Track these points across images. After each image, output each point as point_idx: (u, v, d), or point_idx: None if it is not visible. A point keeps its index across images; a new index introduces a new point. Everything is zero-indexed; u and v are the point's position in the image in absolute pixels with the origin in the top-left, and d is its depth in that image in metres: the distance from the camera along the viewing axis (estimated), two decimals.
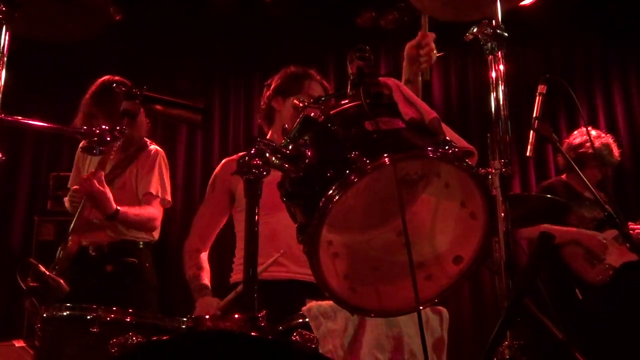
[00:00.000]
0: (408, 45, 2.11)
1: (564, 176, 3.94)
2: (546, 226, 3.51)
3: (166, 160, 3.21)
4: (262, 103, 2.70)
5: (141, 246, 3.08)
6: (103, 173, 2.80)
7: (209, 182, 2.66)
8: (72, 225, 2.73)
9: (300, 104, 2.46)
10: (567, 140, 3.94)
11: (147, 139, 3.20)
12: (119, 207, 2.87)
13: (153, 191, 3.05)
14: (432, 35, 2.07)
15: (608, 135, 3.99)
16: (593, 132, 3.91)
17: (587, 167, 3.75)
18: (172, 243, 4.77)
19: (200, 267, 2.49)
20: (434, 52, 2.06)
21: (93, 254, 3.00)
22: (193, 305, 2.35)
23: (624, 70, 5.25)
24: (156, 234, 3.16)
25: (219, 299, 2.28)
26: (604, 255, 3.62)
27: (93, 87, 3.12)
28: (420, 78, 2.11)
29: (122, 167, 3.09)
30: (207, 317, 1.18)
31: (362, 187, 1.40)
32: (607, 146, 3.88)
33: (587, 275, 3.63)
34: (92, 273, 2.95)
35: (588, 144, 3.75)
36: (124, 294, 2.88)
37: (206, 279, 2.47)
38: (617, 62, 5.27)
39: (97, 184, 2.74)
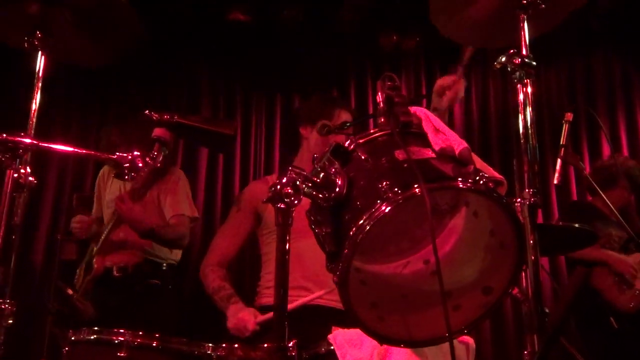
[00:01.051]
0: (438, 82, 2.14)
1: (590, 199, 3.95)
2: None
3: (186, 179, 3.28)
4: (290, 130, 2.71)
5: (164, 268, 3.10)
6: (135, 194, 2.84)
7: (235, 201, 2.67)
8: (98, 245, 2.76)
9: (324, 129, 2.49)
10: (600, 161, 3.98)
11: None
12: (154, 227, 2.90)
13: (182, 212, 3.11)
14: (462, 84, 2.11)
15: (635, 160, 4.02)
16: (622, 156, 4.01)
17: (617, 187, 3.76)
18: (192, 266, 4.77)
19: (223, 279, 2.49)
20: (459, 97, 2.10)
21: (117, 274, 3.03)
22: (208, 319, 2.34)
23: None
24: (179, 255, 3.19)
25: (255, 311, 2.26)
26: (633, 280, 3.58)
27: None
28: (446, 109, 2.13)
29: (146, 186, 3.13)
30: (237, 346, 1.18)
31: (391, 217, 1.40)
32: (637, 168, 3.89)
33: (619, 302, 3.58)
34: (116, 294, 2.98)
35: (619, 164, 3.79)
36: (147, 316, 2.89)
37: (232, 289, 2.46)
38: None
39: (131, 204, 2.81)
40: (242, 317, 2.20)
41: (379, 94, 1.51)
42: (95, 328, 1.78)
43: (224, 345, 1.13)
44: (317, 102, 2.68)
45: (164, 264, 3.10)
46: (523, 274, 1.73)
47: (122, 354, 1.67)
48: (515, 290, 1.78)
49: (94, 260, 2.98)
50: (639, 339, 3.52)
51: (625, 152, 4.86)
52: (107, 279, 3.01)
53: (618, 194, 3.80)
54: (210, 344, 1.66)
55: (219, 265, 2.55)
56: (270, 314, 2.15)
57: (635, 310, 3.55)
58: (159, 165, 1.72)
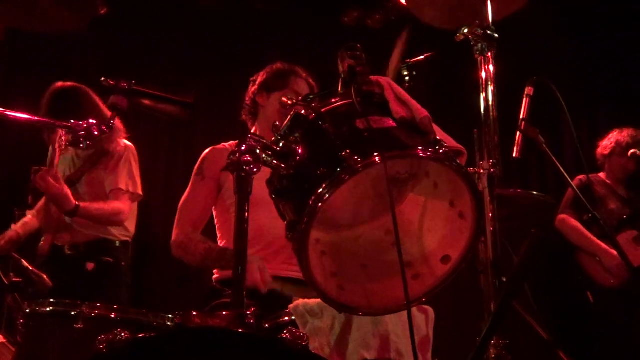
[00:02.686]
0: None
1: (601, 174, 4.03)
2: (574, 224, 3.62)
3: (136, 155, 3.16)
4: (246, 99, 2.68)
5: (118, 245, 3.05)
6: (57, 170, 2.76)
7: (196, 169, 2.53)
8: (43, 224, 2.71)
9: (289, 102, 2.46)
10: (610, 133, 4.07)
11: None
12: (79, 203, 2.82)
13: (121, 186, 3.00)
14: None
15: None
16: (629, 129, 4.04)
17: (625, 156, 3.88)
18: (155, 237, 4.71)
19: (206, 241, 2.38)
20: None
21: (69, 252, 2.97)
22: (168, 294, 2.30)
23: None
24: (131, 229, 3.12)
25: (259, 258, 2.18)
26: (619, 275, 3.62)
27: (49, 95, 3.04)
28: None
29: (92, 162, 3.06)
30: (195, 313, 1.16)
31: (351, 186, 1.40)
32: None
33: (601, 278, 3.66)
34: (68, 272, 2.92)
35: (627, 135, 3.91)
36: (100, 293, 2.83)
37: (220, 246, 2.42)
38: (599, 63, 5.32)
39: (52, 181, 2.71)
40: (250, 270, 2.05)
41: (341, 63, 1.49)
42: (51, 300, 1.75)
43: (181, 313, 1.12)
44: (271, 71, 2.65)
45: (117, 242, 3.05)
46: (482, 245, 1.76)
47: (79, 326, 1.64)
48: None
49: (42, 239, 2.92)
50: (616, 313, 3.61)
51: (584, 128, 4.97)
52: (59, 257, 2.94)
53: (623, 163, 3.94)
54: (169, 315, 1.65)
55: (193, 234, 2.42)
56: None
57: (615, 286, 3.62)
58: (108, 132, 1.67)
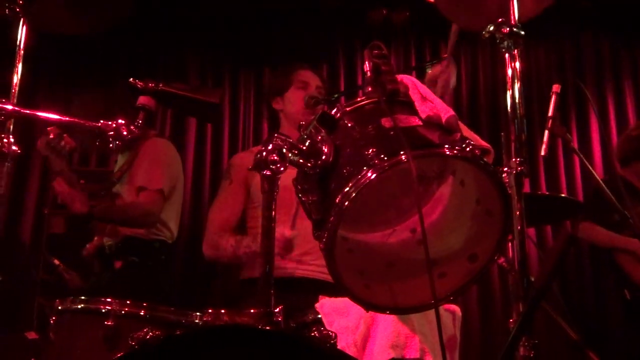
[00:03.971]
0: (429, 73, 2.14)
1: (620, 170, 3.76)
2: (600, 230, 3.49)
3: (162, 147, 3.07)
4: (267, 112, 2.73)
5: (156, 245, 3.00)
6: (73, 174, 2.74)
7: (224, 174, 2.61)
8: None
9: (312, 100, 2.49)
10: (626, 132, 3.81)
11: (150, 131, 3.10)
12: (95, 207, 2.78)
13: (144, 184, 2.91)
14: (452, 71, 2.09)
15: None
16: None
17: None
18: (180, 239, 4.76)
19: (235, 234, 2.42)
20: (451, 85, 2.09)
21: (108, 251, 2.99)
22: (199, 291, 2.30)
23: (635, 68, 5.21)
24: (165, 229, 3.11)
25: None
26: None
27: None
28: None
29: (129, 162, 3.04)
30: (223, 311, 1.18)
31: (378, 184, 1.40)
32: None
33: (637, 275, 3.53)
34: (101, 270, 2.94)
35: None
36: (123, 291, 2.84)
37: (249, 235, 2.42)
38: (628, 60, 5.23)
39: (65, 186, 2.69)
40: (277, 237, 2.11)
41: (366, 62, 1.49)
42: (82, 297, 1.78)
43: (210, 310, 1.14)
44: (278, 73, 2.71)
45: (157, 243, 3.02)
46: (509, 244, 1.74)
47: (109, 323, 1.66)
48: (502, 260, 1.79)
49: (95, 238, 2.94)
50: None
51: (613, 126, 4.88)
52: (101, 256, 2.97)
53: None
54: (197, 313, 1.67)
55: (224, 232, 2.48)
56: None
57: None
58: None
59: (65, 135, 2.62)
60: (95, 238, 2.92)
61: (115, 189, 3.03)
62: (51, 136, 2.56)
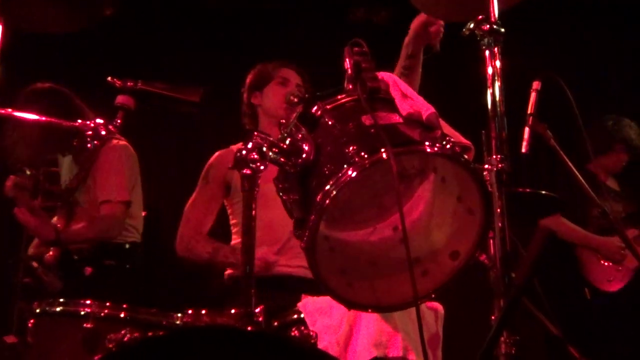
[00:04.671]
0: (415, 23, 2.12)
1: (590, 165, 3.74)
2: (565, 223, 3.46)
3: (124, 154, 2.97)
4: (243, 107, 2.72)
5: (127, 247, 2.98)
6: (37, 202, 2.69)
7: (202, 174, 2.63)
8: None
9: (295, 99, 2.48)
10: (594, 123, 3.79)
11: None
12: (59, 231, 2.74)
13: (108, 197, 2.86)
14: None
15: (633, 121, 3.85)
16: (623, 119, 3.80)
17: (614, 151, 3.68)
18: (162, 239, 4.71)
19: (213, 241, 2.45)
20: (443, 28, 2.08)
21: (75, 257, 2.94)
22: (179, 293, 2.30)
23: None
24: (138, 228, 3.07)
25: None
26: (622, 261, 3.51)
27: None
28: (420, 55, 2.13)
29: (86, 169, 2.94)
30: (204, 312, 1.17)
31: (358, 182, 1.39)
32: (635, 130, 3.75)
33: (595, 277, 3.54)
34: (72, 277, 2.89)
35: (616, 127, 3.66)
36: (101, 296, 2.79)
37: (228, 244, 2.44)
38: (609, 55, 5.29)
39: (29, 215, 2.65)
40: (260, 257, 2.14)
41: (347, 60, 1.49)
42: (61, 299, 1.75)
43: (190, 311, 1.12)
44: (258, 69, 2.71)
45: (127, 244, 2.99)
46: (490, 241, 1.74)
47: (89, 325, 1.64)
48: (483, 257, 1.79)
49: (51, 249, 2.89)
50: (613, 316, 3.49)
51: None
52: (66, 263, 2.92)
53: (613, 158, 3.73)
54: (178, 314, 1.65)
55: (198, 235, 2.50)
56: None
57: (613, 288, 3.51)
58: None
59: (25, 168, 2.63)
60: (52, 248, 2.88)
61: (74, 197, 2.97)
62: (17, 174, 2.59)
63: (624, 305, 3.52)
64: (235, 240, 2.55)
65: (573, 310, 3.52)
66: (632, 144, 3.75)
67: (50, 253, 2.75)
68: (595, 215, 3.55)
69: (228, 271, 2.48)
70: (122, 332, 1.05)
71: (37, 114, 1.98)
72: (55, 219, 2.94)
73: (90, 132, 1.61)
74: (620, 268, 3.57)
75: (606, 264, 3.58)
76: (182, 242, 2.52)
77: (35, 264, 2.56)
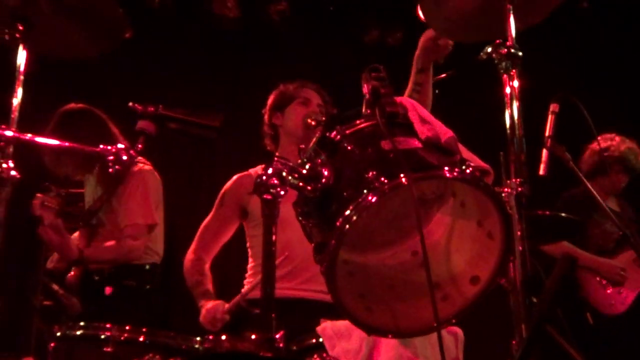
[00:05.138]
0: (423, 37, 2.14)
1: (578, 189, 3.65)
2: (566, 244, 3.41)
3: (151, 178, 3.04)
4: (265, 128, 2.74)
5: (147, 268, 3.02)
6: (61, 220, 2.73)
7: (219, 196, 2.66)
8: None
9: (313, 122, 2.50)
10: (591, 145, 3.76)
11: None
12: (84, 251, 2.80)
13: (132, 221, 2.92)
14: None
15: (633, 140, 3.81)
16: (616, 138, 3.76)
17: (612, 171, 3.64)
18: (178, 262, 4.72)
19: (202, 274, 2.54)
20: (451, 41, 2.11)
21: (96, 278, 2.98)
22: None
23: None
24: (157, 250, 3.09)
25: (224, 301, 2.31)
26: (623, 282, 3.49)
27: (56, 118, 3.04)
28: (431, 69, 2.16)
29: (109, 192, 2.94)
30: (224, 337, 1.17)
31: (378, 207, 1.39)
32: (632, 150, 3.72)
33: (597, 300, 3.50)
34: (92, 297, 2.92)
35: (613, 148, 3.63)
36: (120, 317, 2.81)
37: (209, 285, 2.51)
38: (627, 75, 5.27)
39: (53, 234, 2.70)
40: (211, 308, 2.24)
41: (365, 85, 1.50)
42: (81, 323, 1.76)
43: (210, 337, 1.13)
44: (277, 91, 2.74)
45: (147, 265, 3.03)
46: (511, 264, 1.73)
47: (109, 349, 1.65)
48: (503, 281, 1.78)
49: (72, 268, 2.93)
50: (616, 337, 3.45)
51: None
52: (88, 283, 2.96)
53: (612, 179, 3.68)
54: (197, 338, 1.65)
55: (201, 260, 2.57)
56: (236, 299, 2.24)
57: (615, 311, 3.48)
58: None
59: (52, 187, 2.68)
60: (73, 269, 2.91)
61: (97, 217, 3.01)
62: (44, 193, 2.68)
63: (628, 328, 3.47)
64: (252, 262, 2.57)
65: (576, 335, 3.49)
66: (630, 165, 3.71)
67: (72, 273, 2.78)
68: (595, 235, 3.50)
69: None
70: (145, 358, 1.06)
71: (67, 136, 2.02)
72: (77, 237, 2.98)
73: (112, 157, 1.63)
74: (621, 291, 3.53)
75: (609, 290, 3.54)
76: (186, 261, 2.62)
77: (56, 287, 2.58)
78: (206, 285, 2.49)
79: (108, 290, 2.93)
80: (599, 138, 3.78)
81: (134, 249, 2.91)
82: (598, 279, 3.53)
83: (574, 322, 3.52)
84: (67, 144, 1.84)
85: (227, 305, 2.23)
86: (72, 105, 3.10)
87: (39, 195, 2.69)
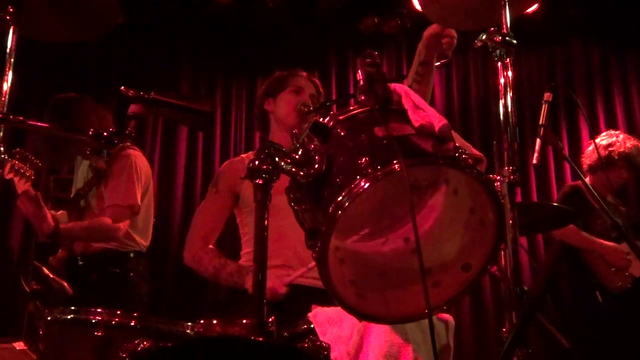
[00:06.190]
0: (427, 33, 2.12)
1: (588, 179, 3.78)
2: (573, 228, 3.48)
3: (137, 162, 3.02)
4: (256, 112, 2.74)
5: (132, 255, 3.01)
6: (39, 192, 2.72)
7: (212, 182, 2.64)
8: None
9: (305, 108, 2.50)
10: (595, 140, 3.87)
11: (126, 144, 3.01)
12: (60, 226, 2.77)
13: (113, 202, 2.91)
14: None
15: (637, 138, 3.90)
16: (621, 136, 3.85)
17: (615, 167, 3.73)
18: (172, 249, 4.74)
19: (219, 256, 2.45)
20: (455, 39, 2.08)
21: (81, 262, 2.97)
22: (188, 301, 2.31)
23: (624, 76, 5.26)
24: (141, 240, 3.08)
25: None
26: (627, 268, 3.59)
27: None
28: (433, 62, 2.14)
29: (99, 175, 2.99)
30: (215, 322, 1.16)
31: (370, 193, 1.39)
32: (636, 147, 3.80)
33: (607, 280, 3.59)
34: (77, 282, 2.91)
35: (618, 144, 3.72)
36: (105, 303, 2.80)
37: (235, 262, 2.44)
38: (617, 68, 5.28)
39: (28, 203, 2.68)
40: (270, 287, 2.13)
41: (359, 71, 1.49)
42: (72, 307, 1.76)
43: (201, 321, 1.13)
44: (271, 77, 2.72)
45: (131, 253, 3.01)
46: (502, 253, 1.74)
47: (100, 333, 1.65)
48: (494, 269, 1.79)
49: (59, 248, 2.92)
50: (621, 314, 3.55)
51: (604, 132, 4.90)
52: (72, 267, 2.95)
53: (616, 174, 3.77)
54: (189, 323, 1.65)
55: (207, 245, 2.51)
56: (297, 273, 2.18)
57: (621, 289, 3.58)
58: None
59: (30, 156, 2.65)
60: (60, 250, 2.91)
61: (86, 201, 3.02)
62: (16, 159, 2.60)
63: (636, 307, 3.56)
64: (245, 249, 2.56)
65: (587, 314, 3.56)
66: (634, 162, 3.80)
67: (51, 259, 2.77)
68: (598, 226, 3.59)
69: None
70: (136, 342, 1.06)
71: (57, 123, 2.00)
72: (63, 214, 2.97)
73: (102, 141, 1.62)
74: (627, 274, 3.63)
75: (614, 268, 3.64)
76: (190, 251, 2.52)
77: (46, 271, 2.58)
78: (233, 263, 2.42)
79: (94, 276, 2.94)
80: (604, 134, 3.91)
81: (113, 229, 2.88)
82: (606, 263, 3.62)
83: (583, 301, 3.62)
84: (57, 128, 1.83)
85: (287, 279, 2.19)
86: (63, 95, 3.07)
87: (9, 159, 2.65)
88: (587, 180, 3.71)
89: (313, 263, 2.13)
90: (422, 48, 2.14)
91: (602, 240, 3.62)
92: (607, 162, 3.70)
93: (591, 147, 3.86)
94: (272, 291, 2.17)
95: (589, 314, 3.55)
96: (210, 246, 2.51)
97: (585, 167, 3.87)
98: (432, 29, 2.12)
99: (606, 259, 3.59)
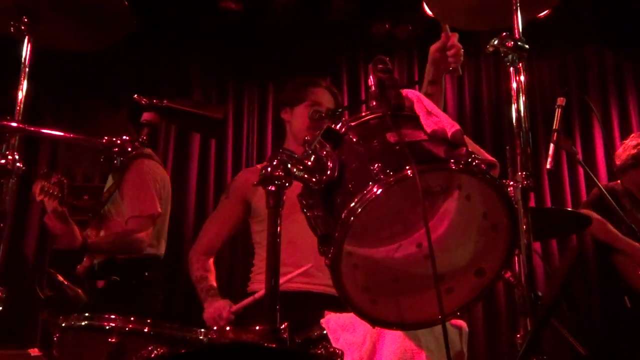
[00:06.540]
0: (432, 49, 2.10)
1: (618, 181, 3.76)
2: (600, 218, 3.44)
3: (154, 170, 3.06)
4: (273, 119, 2.76)
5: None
6: (65, 209, 2.75)
7: (225, 190, 2.69)
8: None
9: (317, 115, 2.50)
10: (624, 142, 3.86)
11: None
12: (88, 241, 2.82)
13: (134, 213, 2.95)
14: (456, 35, 2.06)
15: None
16: None
17: None
18: (184, 255, 4.74)
19: (207, 270, 2.53)
20: (462, 50, 2.06)
21: (97, 270, 3.00)
22: (201, 307, 2.36)
23: (638, 81, 5.22)
24: (159, 249, 3.11)
25: (230, 302, 2.29)
26: None
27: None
28: (443, 81, 2.12)
29: (117, 183, 3.06)
30: (229, 328, 1.17)
31: (383, 199, 1.39)
32: None
33: (637, 284, 3.53)
34: (95, 288, 2.95)
35: None
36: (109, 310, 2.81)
37: (213, 281, 2.50)
38: (632, 72, 5.24)
39: (57, 221, 2.71)
40: (217, 307, 2.23)
41: (371, 77, 1.49)
42: (86, 314, 1.77)
43: (215, 328, 1.13)
44: (291, 86, 2.71)
45: (147, 259, 3.03)
46: (516, 258, 1.73)
47: (113, 340, 1.66)
48: (508, 274, 1.77)
49: (84, 259, 2.95)
50: None
51: (617, 138, 4.86)
52: (91, 275, 2.98)
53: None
54: (202, 329, 1.66)
55: (205, 254, 2.58)
56: (245, 302, 2.20)
57: None
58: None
59: (55, 174, 2.70)
60: (85, 259, 2.94)
61: (105, 209, 3.06)
62: (44, 179, 2.73)
63: None
64: (257, 257, 2.57)
65: (614, 319, 3.52)
66: None
67: (78, 267, 2.80)
68: (622, 230, 3.55)
69: (251, 287, 2.50)
70: (149, 348, 1.06)
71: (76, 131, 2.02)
72: (88, 231, 3.01)
73: (116, 149, 1.64)
74: None
75: None
76: (190, 255, 2.61)
77: (61, 278, 2.60)
78: (210, 281, 2.48)
79: (100, 283, 2.97)
80: (633, 135, 3.88)
81: (137, 241, 2.93)
82: (633, 264, 3.58)
83: (612, 306, 3.58)
84: (71, 135, 1.84)
85: (234, 307, 2.22)
86: (81, 102, 3.13)
87: (37, 181, 2.74)
88: (618, 181, 3.74)
89: (305, 267, 2.16)
90: (430, 66, 2.12)
91: (630, 241, 3.56)
92: (637, 161, 3.67)
93: (621, 148, 3.84)
94: (215, 312, 2.24)
95: (616, 319, 3.50)
96: (210, 259, 2.58)
97: (615, 168, 3.84)
98: (434, 45, 2.10)
99: (636, 260, 3.54)
